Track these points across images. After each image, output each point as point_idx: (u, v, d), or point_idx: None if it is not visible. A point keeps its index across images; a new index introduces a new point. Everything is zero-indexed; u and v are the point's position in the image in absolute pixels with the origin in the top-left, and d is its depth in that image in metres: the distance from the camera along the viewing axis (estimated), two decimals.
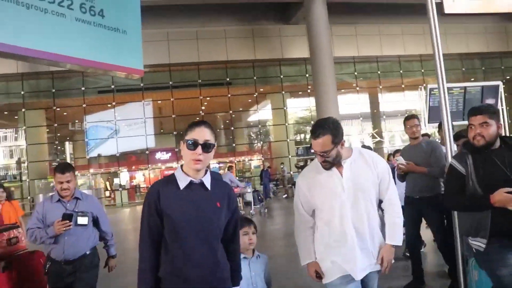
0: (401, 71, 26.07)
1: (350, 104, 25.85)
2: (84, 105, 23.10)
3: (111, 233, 3.92)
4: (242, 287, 2.48)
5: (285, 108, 25.51)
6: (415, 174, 4.60)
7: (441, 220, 4.68)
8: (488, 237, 2.67)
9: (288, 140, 25.26)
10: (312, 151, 2.73)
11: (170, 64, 22.69)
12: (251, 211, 13.87)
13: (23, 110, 22.65)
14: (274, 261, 6.36)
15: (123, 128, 24.19)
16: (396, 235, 2.74)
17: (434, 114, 6.79)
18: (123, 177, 25.74)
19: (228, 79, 24.40)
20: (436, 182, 4.59)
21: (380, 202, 2.82)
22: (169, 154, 25.04)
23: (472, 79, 25.73)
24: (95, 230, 3.76)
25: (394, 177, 4.02)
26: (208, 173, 2.24)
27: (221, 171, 24.79)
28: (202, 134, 2.15)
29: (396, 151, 6.58)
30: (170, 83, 23.59)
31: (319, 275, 2.75)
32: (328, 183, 2.70)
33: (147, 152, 24.56)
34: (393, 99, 26.93)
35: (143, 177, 26.61)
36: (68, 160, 24.50)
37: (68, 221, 3.42)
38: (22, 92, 22.26)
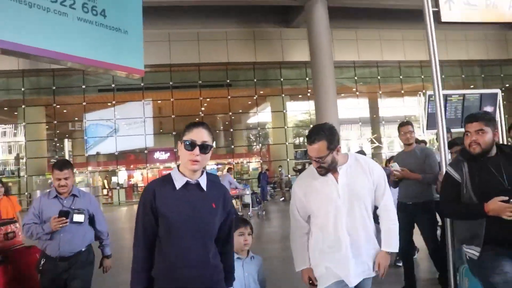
0: (401, 77, 26.13)
1: (350, 108, 25.89)
2: (84, 103, 23.12)
3: (107, 233, 3.90)
4: (235, 287, 2.50)
5: (284, 111, 25.55)
6: (408, 181, 4.62)
7: (433, 226, 4.73)
8: (482, 245, 2.68)
9: (287, 143, 25.30)
10: (308, 156, 2.73)
11: (171, 65, 22.74)
12: (249, 213, 13.90)
13: (23, 106, 22.69)
14: (270, 263, 6.39)
15: (123, 127, 24.22)
16: (392, 242, 2.74)
17: (433, 120, 6.83)
18: (121, 175, 25.74)
19: (228, 81, 24.45)
20: (429, 189, 4.62)
21: (375, 208, 2.82)
22: (168, 154, 25.06)
23: (472, 86, 25.83)
24: (91, 228, 3.75)
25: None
26: (204, 174, 2.25)
27: (219, 173, 24.87)
28: (200, 135, 2.15)
29: (392, 157, 6.61)
30: (171, 83, 23.63)
31: (312, 282, 2.75)
32: (324, 189, 2.70)
33: (146, 151, 24.59)
34: (392, 104, 27.00)
35: (141, 176, 26.60)
36: (67, 158, 24.52)
37: (64, 218, 3.41)
38: (23, 89, 22.28)
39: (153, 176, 25.09)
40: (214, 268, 2.21)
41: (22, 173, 23.27)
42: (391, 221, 2.78)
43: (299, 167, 21.78)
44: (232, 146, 26.49)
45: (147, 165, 25.03)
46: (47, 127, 23.98)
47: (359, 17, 22.59)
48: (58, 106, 23.27)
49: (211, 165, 24.52)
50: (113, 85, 22.91)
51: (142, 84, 22.55)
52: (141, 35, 4.84)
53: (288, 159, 24.85)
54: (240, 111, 27.14)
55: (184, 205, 2.15)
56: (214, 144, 2.27)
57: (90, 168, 24.66)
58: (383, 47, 24.18)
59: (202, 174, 2.24)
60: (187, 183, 2.18)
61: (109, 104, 23.59)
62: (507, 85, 26.67)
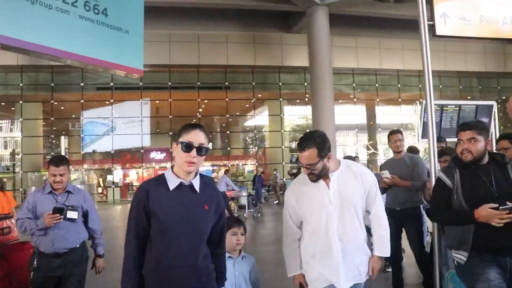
0: (399, 85, 26.25)
1: (347, 115, 25.99)
2: (82, 101, 23.09)
3: (100, 232, 3.88)
4: (225, 286, 2.53)
5: (282, 115, 25.59)
6: (397, 187, 4.72)
7: (420, 231, 4.84)
8: (470, 251, 2.71)
9: (283, 147, 25.33)
10: (299, 163, 2.76)
11: (170, 65, 22.76)
12: (244, 215, 14.01)
13: (20, 102, 22.61)
14: (264, 265, 6.46)
15: (120, 126, 24.20)
16: (385, 247, 2.80)
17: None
18: (117, 174, 25.70)
19: (227, 83, 24.48)
20: (416, 195, 4.74)
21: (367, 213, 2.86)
22: (164, 154, 25.05)
23: (469, 97, 25.98)
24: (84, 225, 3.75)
25: None
26: (198, 175, 2.26)
27: (214, 174, 24.86)
28: (198, 137, 2.17)
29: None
30: (169, 83, 23.65)
31: (303, 287, 2.78)
32: (316, 195, 2.72)
33: (142, 150, 24.57)
34: (389, 112, 27.11)
35: (136, 176, 26.58)
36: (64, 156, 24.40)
37: (58, 215, 3.39)
38: (21, 84, 22.23)
39: (148, 176, 25.06)
40: (204, 269, 2.22)
41: (17, 169, 23.18)
42: (382, 226, 2.82)
43: (294, 171, 21.83)
44: (228, 148, 26.51)
45: (143, 164, 25.01)
46: (44, 123, 23.93)
47: (359, 25, 22.70)
48: (55, 103, 23.22)
49: (206, 167, 24.53)
50: (111, 84, 22.88)
51: (140, 84, 22.56)
52: (141, 35, 4.85)
53: (283, 163, 24.89)
54: (238, 113, 27.18)
55: (177, 206, 2.16)
56: (210, 146, 2.30)
57: (85, 166, 24.63)
58: (382, 55, 24.30)
59: (195, 175, 2.25)
60: (181, 184, 2.19)
61: (107, 102, 23.55)
62: (504, 98, 26.82)
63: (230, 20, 22.25)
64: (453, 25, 3.94)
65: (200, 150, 2.16)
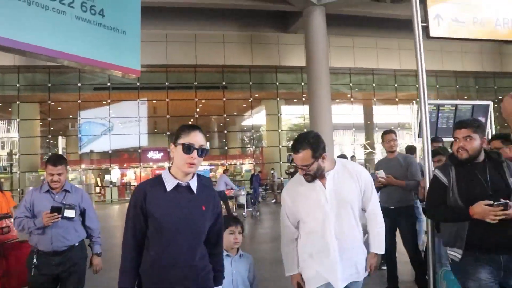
0: (395, 85, 26.30)
1: (344, 114, 26.02)
2: (79, 101, 23.05)
3: (98, 230, 3.86)
4: (223, 284, 2.55)
5: (279, 114, 25.62)
6: (391, 187, 4.80)
7: (413, 230, 4.96)
8: (464, 249, 2.74)
9: (281, 146, 25.35)
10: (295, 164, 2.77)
11: (167, 65, 22.73)
12: (243, 214, 14.18)
13: (17, 102, 22.56)
14: (262, 263, 6.50)
15: (117, 126, 24.16)
16: (381, 244, 2.84)
17: None
18: (114, 174, 25.68)
19: (224, 83, 24.48)
20: (410, 194, 4.89)
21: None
22: (161, 153, 25.03)
23: (466, 97, 26.04)
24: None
25: None
26: (195, 176, 2.28)
27: (211, 174, 24.87)
28: (198, 139, 2.19)
29: None
30: (166, 83, 23.64)
31: (301, 287, 2.80)
32: (312, 195, 2.74)
33: (139, 150, 24.56)
34: (386, 112, 27.15)
35: (134, 175, 26.56)
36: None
37: (56, 214, 3.39)
38: (18, 85, 22.17)
39: (146, 175, 25.08)
40: (201, 269, 2.24)
41: (14, 169, 23.15)
42: (378, 224, 2.85)
43: (292, 170, 21.87)
44: (226, 148, 26.53)
45: (141, 164, 25.00)
46: (41, 123, 23.88)
47: (356, 25, 22.73)
48: (53, 103, 23.18)
49: (203, 166, 24.54)
50: (108, 84, 22.85)
51: (138, 84, 22.53)
52: (138, 35, 4.86)
53: (281, 162, 24.91)
54: (235, 113, 27.18)
55: (174, 207, 2.18)
56: (208, 147, 2.31)
57: (83, 166, 24.58)
58: (379, 55, 24.34)
59: (193, 176, 2.26)
60: (178, 185, 2.21)
61: (104, 102, 23.52)
62: (500, 97, 26.90)
63: (227, 20, 22.25)
64: (446, 26, 3.99)
65: (201, 151, 2.18)
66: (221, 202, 13.19)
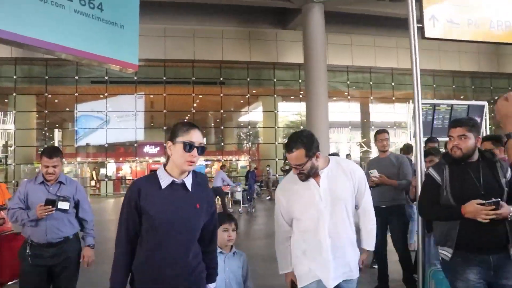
0: (392, 84, 26.37)
1: (341, 112, 26.10)
2: (76, 94, 23.02)
3: (92, 223, 3.80)
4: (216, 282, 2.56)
5: (276, 111, 25.65)
6: (384, 186, 4.86)
7: (404, 229, 5.02)
8: (454, 248, 2.75)
9: (277, 143, 25.38)
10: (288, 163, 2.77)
11: (165, 60, 22.71)
12: (239, 210, 14.24)
13: (14, 94, 22.49)
14: (256, 260, 6.55)
15: (114, 119, 24.14)
16: (372, 242, 2.87)
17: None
18: (110, 168, 25.69)
19: (221, 79, 24.48)
20: (401, 194, 4.94)
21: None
22: (158, 148, 25.04)
23: (462, 97, 26.15)
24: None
25: None
26: (190, 174, 2.27)
27: (207, 169, 24.89)
28: (197, 136, 2.19)
29: None
30: (164, 78, 23.60)
31: (294, 285, 2.80)
32: (306, 193, 2.73)
33: (135, 144, 24.54)
34: (383, 110, 27.24)
35: (129, 169, 26.59)
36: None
37: (50, 206, 3.38)
38: (14, 77, 22.10)
39: (141, 170, 25.10)
40: (193, 268, 2.24)
41: (10, 161, 23.10)
42: (371, 221, 2.87)
43: (287, 167, 21.89)
44: (222, 144, 26.56)
45: (136, 158, 25.00)
46: (37, 116, 23.84)
47: (354, 23, 22.78)
48: (49, 96, 23.12)
49: (200, 162, 24.48)
50: (106, 77, 22.80)
51: (135, 78, 22.48)
52: (137, 30, 4.85)
53: (277, 159, 24.95)
54: (232, 109, 27.19)
55: (168, 205, 2.17)
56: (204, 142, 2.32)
57: (79, 159, 24.56)
58: (376, 53, 24.38)
59: (188, 174, 2.26)
60: (173, 182, 2.20)
61: (101, 96, 23.51)
62: (496, 98, 26.94)
63: (226, 15, 22.24)
64: (441, 27, 4.02)
65: (200, 149, 2.19)
66: (218, 198, 13.27)
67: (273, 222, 2.96)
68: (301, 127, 23.75)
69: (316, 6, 18.77)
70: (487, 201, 2.57)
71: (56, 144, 24.60)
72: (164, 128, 24.15)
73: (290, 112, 27.19)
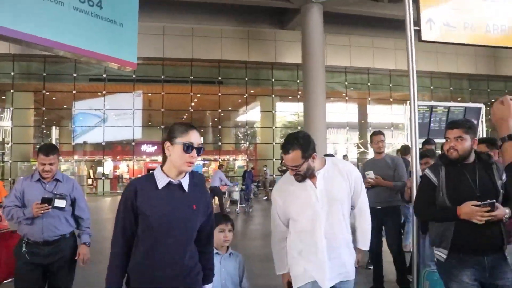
0: (390, 85, 26.44)
1: (338, 112, 26.14)
2: (74, 91, 22.99)
3: (89, 221, 3.77)
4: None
5: (273, 111, 25.68)
6: (379, 187, 4.90)
7: (399, 230, 5.11)
8: (449, 250, 2.76)
9: (274, 143, 25.40)
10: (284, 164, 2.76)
11: (163, 58, 22.70)
12: (236, 209, 14.30)
13: (11, 91, 22.42)
14: (252, 260, 6.54)
15: (111, 118, 24.13)
16: (367, 241, 2.88)
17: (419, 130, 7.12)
18: (107, 166, 25.67)
19: (220, 78, 24.50)
20: (397, 195, 5.01)
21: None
22: (155, 147, 25.00)
23: (459, 99, 26.24)
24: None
25: None
26: (187, 174, 2.26)
27: (204, 169, 24.88)
28: (196, 137, 2.19)
29: None
30: (162, 77, 23.61)
31: (291, 286, 2.79)
32: (302, 194, 2.72)
33: (133, 143, 24.53)
34: (380, 111, 27.28)
35: (127, 168, 26.55)
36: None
37: (46, 205, 3.36)
38: (12, 73, 22.05)
39: (138, 168, 25.08)
40: (189, 269, 2.23)
41: (6, 158, 23.05)
42: (367, 221, 2.87)
43: (284, 167, 21.92)
44: (220, 143, 26.56)
45: (134, 157, 24.98)
46: (35, 113, 23.79)
47: (353, 24, 22.84)
48: (47, 93, 23.09)
49: (197, 161, 24.50)
50: (104, 75, 22.78)
51: (133, 76, 22.49)
52: (136, 28, 4.85)
53: (274, 159, 24.97)
54: (230, 108, 27.20)
55: (165, 205, 2.16)
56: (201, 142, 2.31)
57: (76, 157, 24.54)
58: (375, 54, 24.43)
59: (185, 175, 2.26)
60: (169, 183, 2.20)
61: (99, 94, 23.49)
62: (493, 100, 27.07)
63: (225, 15, 22.25)
64: (438, 30, 4.05)
65: (199, 150, 2.20)
66: (215, 197, 13.29)
67: (270, 222, 2.96)
68: (299, 128, 23.80)
69: (315, 7, 18.80)
70: (482, 203, 2.57)
71: (54, 142, 24.64)
72: (162, 127, 24.15)
73: (288, 112, 27.22)
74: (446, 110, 8.49)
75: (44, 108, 23.23)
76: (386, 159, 5.09)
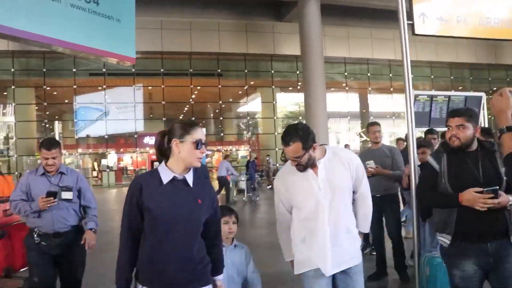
0: (390, 75, 26.41)
1: (339, 103, 26.17)
2: (74, 86, 23.06)
3: (95, 210, 3.79)
4: None
5: (274, 102, 25.72)
6: (378, 176, 5.02)
7: (398, 217, 5.27)
8: (453, 237, 2.75)
9: (276, 133, 25.44)
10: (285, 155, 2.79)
11: (162, 52, 22.68)
12: (243, 198, 14.64)
13: (12, 87, 22.44)
14: (259, 248, 6.67)
15: (113, 111, 24.25)
16: (367, 225, 2.96)
17: (418, 119, 7.14)
18: (111, 158, 25.86)
19: (219, 71, 24.51)
20: (394, 183, 5.18)
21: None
22: None
23: (460, 88, 26.17)
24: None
25: None
26: (192, 170, 2.30)
27: (208, 159, 24.98)
28: (203, 134, 2.26)
29: None
30: (162, 70, 23.65)
31: None
32: (304, 184, 2.74)
33: (135, 135, 24.65)
34: (381, 101, 27.26)
35: (130, 160, 26.72)
36: (57, 139, 24.39)
37: (52, 198, 3.39)
38: (12, 70, 22.05)
39: (142, 160, 25.23)
40: (197, 262, 2.26)
41: (11, 153, 23.19)
42: (368, 206, 2.92)
43: (285, 158, 21.97)
44: (222, 134, 26.65)
45: (137, 149, 25.11)
46: (37, 108, 23.89)
47: (351, 15, 22.70)
48: (48, 88, 23.16)
49: None
50: (104, 70, 22.78)
51: (133, 70, 22.47)
52: (133, 23, 4.88)
53: (276, 149, 24.96)
54: (231, 100, 27.24)
55: (170, 200, 2.19)
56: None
57: (80, 150, 24.69)
58: (374, 45, 24.32)
59: (189, 170, 2.29)
60: (174, 178, 2.23)
61: (99, 88, 23.55)
62: (494, 89, 27.01)
63: (223, 8, 22.16)
64: (431, 24, 4.10)
65: (206, 146, 2.31)
66: (223, 187, 13.61)
67: (274, 211, 3.01)
68: (300, 118, 23.83)
69: None
70: (485, 189, 2.57)
71: (57, 136, 24.81)
72: (164, 119, 24.21)
73: (289, 102, 27.24)
74: (447, 99, 8.50)
75: (45, 103, 23.33)
76: (384, 148, 5.23)
